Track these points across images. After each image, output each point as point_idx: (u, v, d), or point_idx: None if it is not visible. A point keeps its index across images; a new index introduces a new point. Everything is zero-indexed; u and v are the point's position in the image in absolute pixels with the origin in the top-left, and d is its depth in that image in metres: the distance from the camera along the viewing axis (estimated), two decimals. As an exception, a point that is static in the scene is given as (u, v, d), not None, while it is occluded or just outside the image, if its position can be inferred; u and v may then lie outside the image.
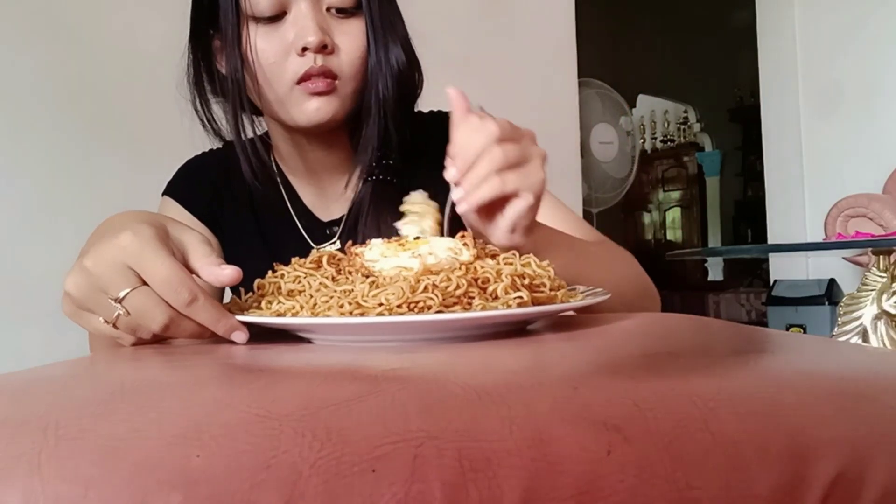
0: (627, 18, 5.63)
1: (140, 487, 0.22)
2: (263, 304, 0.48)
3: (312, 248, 0.79)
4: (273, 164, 0.83)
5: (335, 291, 0.45)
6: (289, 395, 0.28)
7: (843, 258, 2.91)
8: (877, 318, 1.76)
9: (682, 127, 7.22)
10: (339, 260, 0.52)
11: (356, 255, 0.51)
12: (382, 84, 0.73)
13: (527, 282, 0.46)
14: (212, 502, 0.22)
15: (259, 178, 0.76)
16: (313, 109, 0.71)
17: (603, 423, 0.25)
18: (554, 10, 2.46)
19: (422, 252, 0.49)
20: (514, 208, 0.57)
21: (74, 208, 1.41)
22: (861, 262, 2.78)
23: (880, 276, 1.78)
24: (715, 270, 6.72)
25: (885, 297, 1.74)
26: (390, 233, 0.58)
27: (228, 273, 0.46)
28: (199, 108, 0.77)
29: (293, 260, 0.52)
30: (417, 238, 0.53)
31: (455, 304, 0.43)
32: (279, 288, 0.49)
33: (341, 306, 0.43)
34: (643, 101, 6.73)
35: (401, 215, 0.60)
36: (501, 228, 0.58)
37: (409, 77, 0.76)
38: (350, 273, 0.49)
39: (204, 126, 0.79)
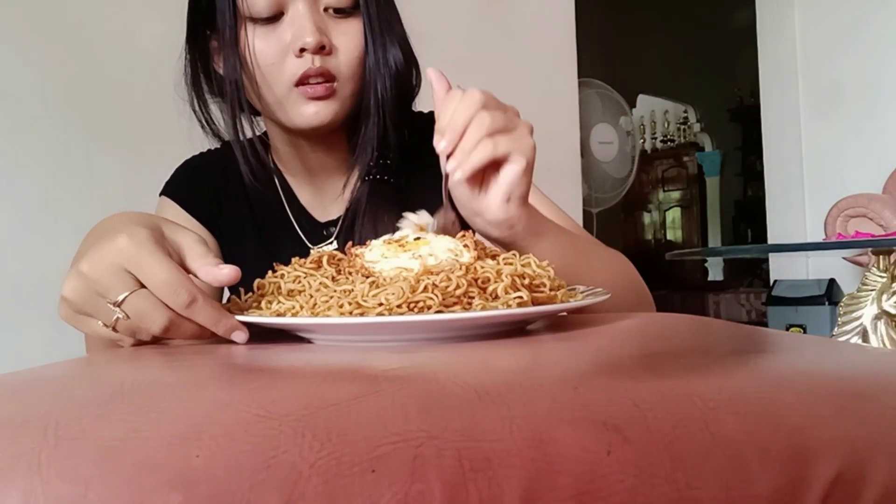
0: (627, 18, 5.63)
1: (140, 487, 0.22)
2: (263, 304, 0.48)
3: (310, 248, 0.79)
4: (271, 164, 0.83)
5: (335, 291, 0.45)
6: (289, 395, 0.28)
7: (843, 258, 2.91)
8: (877, 318, 1.76)
9: (682, 127, 7.22)
10: (340, 260, 0.52)
11: (356, 255, 0.51)
12: (381, 84, 0.73)
13: (527, 282, 0.46)
14: (212, 502, 0.22)
15: (258, 178, 0.76)
16: (312, 113, 0.71)
17: (603, 423, 0.25)
18: (554, 10, 2.46)
19: (422, 253, 0.49)
20: (508, 173, 0.57)
21: (74, 208, 1.41)
22: (861, 262, 2.78)
23: (880, 276, 1.78)
24: (715, 270, 6.72)
25: (885, 297, 1.74)
26: (387, 233, 0.59)
27: (227, 272, 0.46)
28: (197, 108, 0.77)
29: (293, 260, 0.52)
30: (417, 239, 0.53)
31: (455, 304, 0.43)
32: (279, 288, 0.49)
33: (341, 306, 0.43)
34: (643, 101, 6.74)
35: (399, 215, 0.60)
36: (496, 199, 0.58)
37: (407, 77, 0.76)
38: (350, 273, 0.49)
39: (202, 127, 0.78)
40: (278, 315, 0.46)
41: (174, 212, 0.81)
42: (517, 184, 0.58)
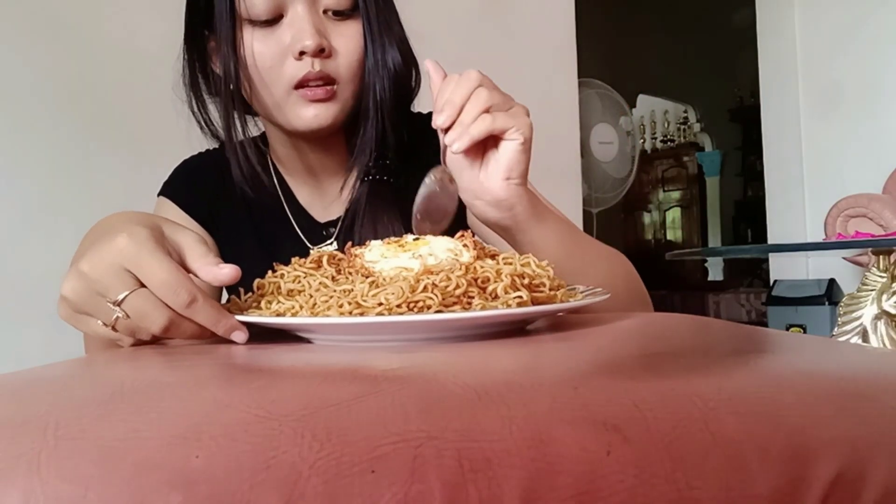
0: (627, 18, 5.63)
1: (140, 487, 0.22)
2: (263, 303, 0.48)
3: (309, 248, 0.79)
4: (270, 164, 0.83)
5: (335, 291, 0.45)
6: (288, 395, 0.28)
7: (843, 258, 2.91)
8: (877, 318, 1.76)
9: (682, 127, 7.22)
10: (340, 260, 0.52)
11: (356, 256, 0.51)
12: (380, 86, 0.73)
13: (526, 281, 0.46)
14: (212, 502, 0.22)
15: (250, 182, 0.76)
16: (311, 116, 0.71)
17: (603, 423, 0.25)
18: (554, 10, 2.46)
19: (422, 253, 0.49)
20: (507, 149, 0.59)
21: (74, 208, 1.41)
22: (861, 262, 2.78)
23: (880, 276, 1.78)
24: (715, 270, 6.72)
25: (885, 297, 1.74)
26: (387, 233, 0.59)
27: (227, 272, 0.46)
28: (195, 109, 0.77)
29: (293, 260, 0.52)
30: (417, 239, 0.53)
31: (455, 303, 0.43)
32: (279, 288, 0.49)
33: (341, 306, 0.43)
34: (643, 101, 6.73)
35: (398, 215, 0.60)
36: (497, 177, 0.60)
37: (406, 78, 0.75)
38: (350, 273, 0.49)
39: (201, 127, 0.78)
40: (278, 315, 0.46)
41: (172, 212, 0.80)
42: (517, 161, 0.59)
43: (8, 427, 0.25)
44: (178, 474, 0.22)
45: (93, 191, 1.45)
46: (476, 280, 0.46)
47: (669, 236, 7.24)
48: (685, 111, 7.14)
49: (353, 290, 0.44)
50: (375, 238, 0.54)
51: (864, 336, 1.77)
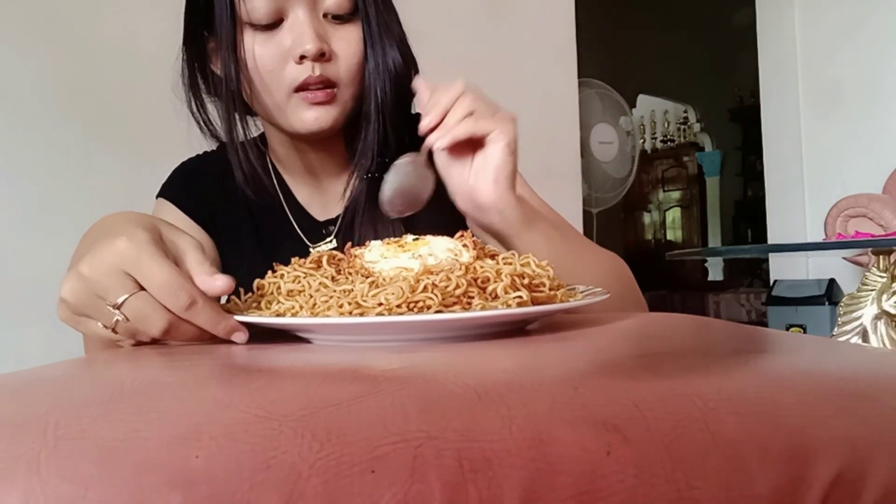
0: (627, 18, 5.62)
1: (140, 487, 0.22)
2: (263, 304, 0.48)
3: (309, 247, 0.79)
4: (269, 164, 0.83)
5: (335, 291, 0.45)
6: (288, 395, 0.28)
7: (843, 258, 2.91)
8: (877, 318, 1.76)
9: (682, 127, 7.22)
10: (340, 260, 0.52)
11: (356, 256, 0.51)
12: (381, 88, 0.73)
13: (526, 281, 0.46)
14: (211, 502, 0.22)
15: (251, 183, 0.76)
16: (312, 119, 0.71)
17: (603, 423, 0.25)
18: (554, 10, 2.46)
19: (422, 253, 0.49)
20: (493, 152, 0.61)
21: (74, 208, 1.41)
22: (861, 262, 2.78)
23: (880, 276, 1.78)
24: (715, 270, 6.72)
25: (885, 297, 1.74)
26: (386, 230, 0.59)
27: (220, 284, 0.46)
28: (194, 110, 0.77)
29: (293, 260, 0.52)
30: (417, 239, 0.53)
31: (455, 303, 0.43)
32: (279, 288, 0.49)
33: (341, 306, 0.43)
34: (643, 101, 6.73)
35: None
36: (485, 180, 0.62)
37: (407, 79, 0.76)
38: (350, 273, 0.49)
39: (200, 128, 0.78)
40: (278, 315, 0.46)
41: (172, 214, 0.80)
42: (503, 162, 0.61)
43: (8, 427, 0.25)
44: (178, 474, 0.22)
45: (93, 191, 1.45)
46: (476, 280, 0.46)
47: (669, 236, 7.25)
48: (685, 111, 7.14)
49: (352, 290, 0.44)
50: (375, 235, 0.54)
51: (864, 336, 1.77)
